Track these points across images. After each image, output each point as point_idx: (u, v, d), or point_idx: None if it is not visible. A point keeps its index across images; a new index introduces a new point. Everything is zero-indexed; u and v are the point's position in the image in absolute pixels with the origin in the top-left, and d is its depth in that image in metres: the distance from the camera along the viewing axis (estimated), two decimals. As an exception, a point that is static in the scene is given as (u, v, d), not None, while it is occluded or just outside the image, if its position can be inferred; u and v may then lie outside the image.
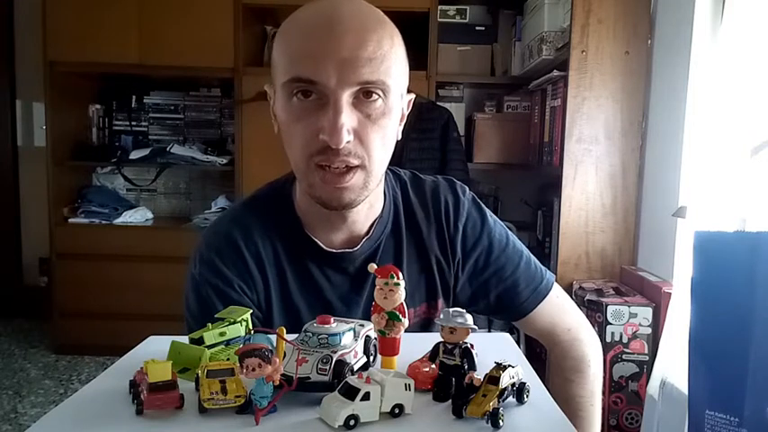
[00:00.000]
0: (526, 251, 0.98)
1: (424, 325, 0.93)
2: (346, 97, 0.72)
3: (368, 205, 0.85)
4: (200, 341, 0.61)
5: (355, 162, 0.75)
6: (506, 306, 0.96)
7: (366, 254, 0.88)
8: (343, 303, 0.88)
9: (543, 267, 0.99)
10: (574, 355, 1.00)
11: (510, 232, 0.98)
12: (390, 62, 0.74)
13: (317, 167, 0.75)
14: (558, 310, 1.00)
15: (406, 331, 0.62)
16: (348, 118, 0.72)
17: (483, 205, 0.97)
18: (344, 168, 0.75)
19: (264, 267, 0.85)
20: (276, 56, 0.77)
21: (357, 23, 0.73)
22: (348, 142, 0.72)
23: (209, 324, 0.63)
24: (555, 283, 0.99)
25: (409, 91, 0.84)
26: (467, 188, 0.97)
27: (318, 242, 0.86)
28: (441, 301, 0.94)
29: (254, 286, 0.85)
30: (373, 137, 0.75)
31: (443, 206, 0.93)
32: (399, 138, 0.83)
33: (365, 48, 0.72)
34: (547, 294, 0.97)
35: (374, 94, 0.74)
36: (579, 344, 1.00)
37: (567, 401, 0.98)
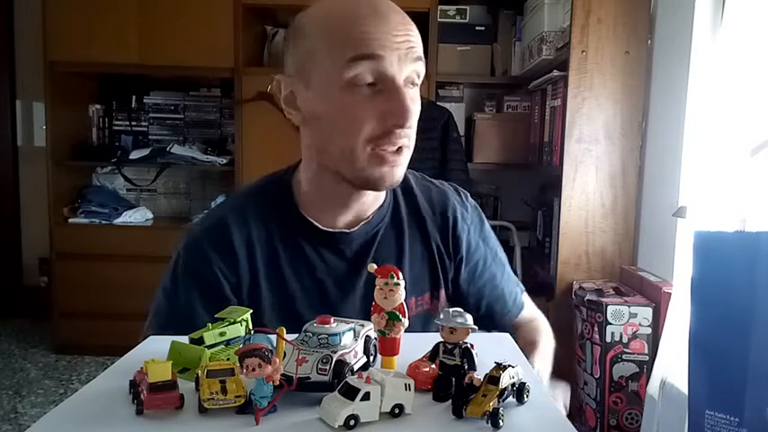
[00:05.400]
0: (506, 261, 1.04)
1: (428, 316, 0.93)
2: (402, 82, 0.76)
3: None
4: (200, 341, 0.61)
5: (407, 143, 0.80)
6: (497, 313, 0.99)
7: (364, 238, 0.89)
8: (337, 287, 0.88)
9: (515, 278, 1.05)
10: (533, 319, 1.05)
11: (497, 241, 1.03)
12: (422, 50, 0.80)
13: (371, 151, 0.78)
14: (531, 312, 1.05)
15: (407, 330, 0.62)
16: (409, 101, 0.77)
17: (482, 213, 1.02)
18: (397, 149, 0.79)
19: (254, 249, 0.86)
20: (315, 45, 0.78)
21: (401, 15, 0.78)
22: None
23: (210, 324, 0.63)
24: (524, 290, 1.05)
25: None
26: (469, 195, 1.02)
27: (315, 222, 0.88)
28: (443, 292, 0.95)
29: (236, 269, 0.85)
30: (415, 120, 0.80)
31: (450, 207, 0.96)
32: None
33: (413, 33, 0.78)
34: (524, 305, 1.02)
35: (413, 82, 0.79)
36: (536, 322, 1.05)
37: (527, 332, 1.02)
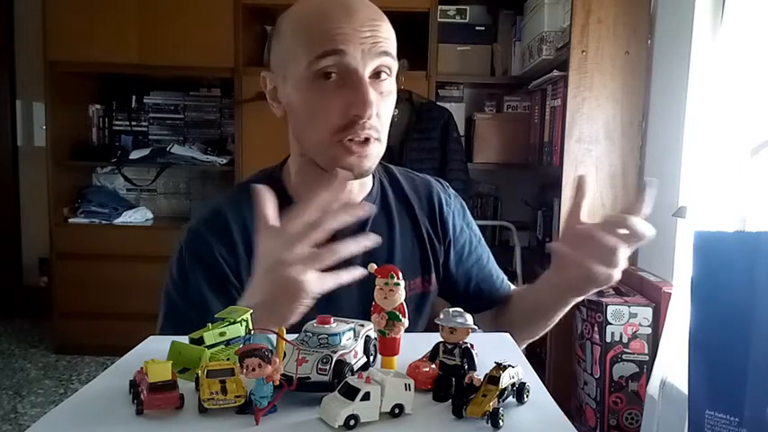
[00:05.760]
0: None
1: (420, 301, 0.97)
2: (367, 75, 0.80)
3: (361, 180, 0.92)
4: (200, 341, 0.61)
5: (375, 135, 0.83)
6: (485, 292, 1.04)
7: (355, 225, 0.91)
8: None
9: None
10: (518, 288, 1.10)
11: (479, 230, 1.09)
12: (394, 45, 0.84)
13: (339, 142, 0.82)
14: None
15: (407, 329, 0.63)
16: (372, 93, 0.80)
17: (463, 201, 1.07)
18: (364, 139, 0.82)
19: (250, 236, 0.88)
20: (289, 43, 0.83)
21: (371, 12, 0.82)
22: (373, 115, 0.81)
23: (210, 324, 0.63)
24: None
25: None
26: (449, 185, 1.08)
27: None
28: (434, 276, 0.99)
29: (236, 255, 0.88)
30: (385, 111, 0.84)
31: (435, 193, 1.01)
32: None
33: (381, 29, 0.81)
34: (509, 286, 1.08)
35: (383, 74, 0.82)
36: None
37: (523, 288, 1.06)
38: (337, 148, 0.83)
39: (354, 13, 0.80)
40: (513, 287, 1.09)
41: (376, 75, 0.82)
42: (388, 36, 0.82)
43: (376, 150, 0.85)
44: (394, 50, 0.83)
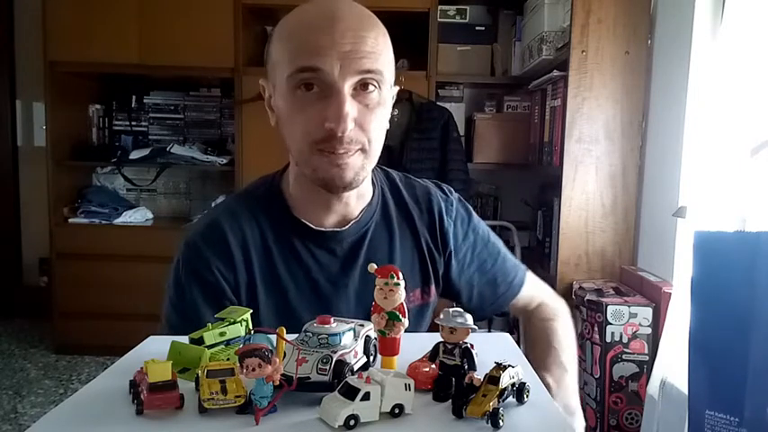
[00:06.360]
0: (504, 248, 1.05)
1: (419, 312, 0.96)
2: (348, 88, 0.77)
3: (359, 191, 0.90)
4: (200, 341, 0.61)
5: (355, 147, 0.80)
6: (487, 298, 1.01)
7: (354, 237, 0.91)
8: (330, 284, 0.90)
9: (518, 262, 1.06)
10: (548, 309, 1.06)
11: (491, 231, 1.05)
12: (384, 57, 0.81)
13: (318, 152, 0.80)
14: (534, 294, 1.07)
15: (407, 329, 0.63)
16: (351, 107, 0.77)
17: (468, 204, 1.04)
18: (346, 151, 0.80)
19: (249, 250, 0.88)
20: (276, 53, 0.82)
21: (356, 22, 0.79)
22: (351, 129, 0.78)
23: (210, 324, 0.63)
24: (528, 274, 1.06)
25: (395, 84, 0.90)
26: (453, 189, 1.04)
27: (307, 223, 0.90)
28: (433, 287, 0.97)
29: (234, 269, 0.87)
30: (372, 124, 0.81)
31: (435, 203, 0.98)
32: (387, 126, 0.87)
33: (365, 42, 0.78)
34: (520, 289, 1.03)
35: (371, 86, 0.80)
36: (553, 303, 1.08)
37: (544, 335, 1.01)
38: (317, 158, 0.81)
39: (337, 25, 0.77)
40: (529, 288, 1.04)
41: (363, 86, 0.79)
42: (372, 49, 0.78)
43: (359, 161, 0.82)
44: (381, 62, 0.79)
